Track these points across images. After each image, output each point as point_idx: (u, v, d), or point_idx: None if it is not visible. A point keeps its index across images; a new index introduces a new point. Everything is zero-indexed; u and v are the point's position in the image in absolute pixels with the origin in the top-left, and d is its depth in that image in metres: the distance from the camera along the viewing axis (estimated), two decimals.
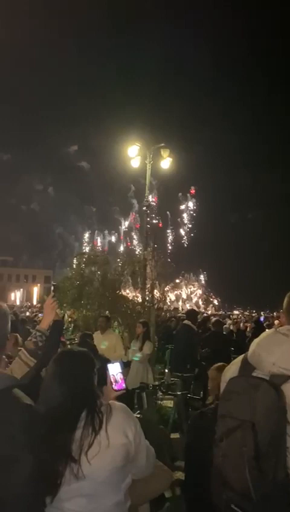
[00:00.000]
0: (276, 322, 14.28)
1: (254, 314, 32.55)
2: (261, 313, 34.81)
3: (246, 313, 39.78)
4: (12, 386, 1.64)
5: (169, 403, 6.51)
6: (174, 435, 5.04)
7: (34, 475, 1.52)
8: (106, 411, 1.70)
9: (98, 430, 1.65)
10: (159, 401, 6.09)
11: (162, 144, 12.39)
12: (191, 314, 8.30)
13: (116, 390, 1.96)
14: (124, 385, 1.99)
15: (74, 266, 10.59)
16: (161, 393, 5.77)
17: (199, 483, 1.80)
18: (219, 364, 4.26)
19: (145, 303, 10.03)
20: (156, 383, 6.35)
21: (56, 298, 2.65)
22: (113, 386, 1.96)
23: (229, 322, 18.22)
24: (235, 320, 21.36)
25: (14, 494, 1.49)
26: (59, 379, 1.71)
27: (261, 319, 20.27)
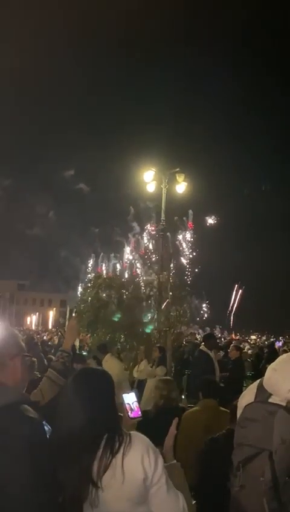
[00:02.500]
0: None
1: (272, 339, 31.96)
2: (280, 338, 34.10)
3: (263, 338, 39.08)
4: (19, 401, 1.63)
5: None
6: None
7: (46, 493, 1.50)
8: (125, 442, 1.62)
9: (115, 455, 1.58)
10: None
11: (177, 169, 12.58)
12: (208, 338, 8.17)
13: (132, 418, 1.93)
14: (140, 413, 1.97)
15: (88, 289, 10.61)
16: None
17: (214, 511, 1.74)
18: (166, 378, 4.33)
19: (161, 327, 9.96)
20: None
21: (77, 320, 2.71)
22: (129, 413, 1.94)
23: (247, 347, 18.00)
24: (252, 345, 21.08)
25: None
26: (79, 397, 1.67)
27: (279, 343, 19.91)
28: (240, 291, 69.12)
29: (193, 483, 1.89)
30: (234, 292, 68.13)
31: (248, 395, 1.68)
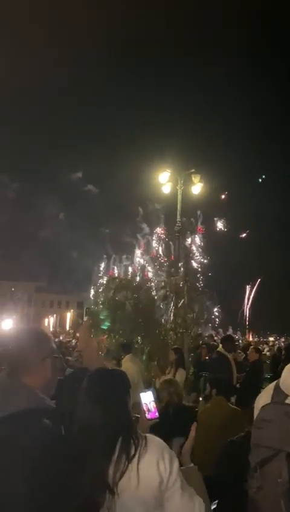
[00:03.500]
0: None
1: None
2: None
3: (282, 340, 38.62)
4: (36, 409, 1.60)
5: None
6: None
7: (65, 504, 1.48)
8: (141, 445, 1.60)
9: (131, 460, 1.56)
10: None
11: (193, 170, 12.57)
12: (226, 340, 8.11)
13: (149, 419, 1.91)
14: (157, 414, 1.94)
15: (103, 292, 10.68)
16: None
17: None
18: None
19: (178, 329, 9.95)
20: None
21: (91, 322, 2.75)
22: (146, 415, 1.92)
23: (266, 348, 17.87)
24: (271, 346, 20.88)
25: None
26: (93, 398, 1.65)
27: None
28: (253, 292, 68.49)
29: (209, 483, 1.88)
30: (247, 293, 67.59)
31: (264, 396, 1.68)
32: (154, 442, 1.65)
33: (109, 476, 1.56)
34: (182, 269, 11.49)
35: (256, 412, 1.66)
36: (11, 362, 1.70)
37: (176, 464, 1.64)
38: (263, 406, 1.63)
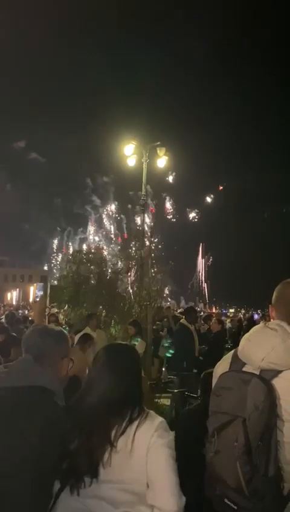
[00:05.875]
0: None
1: (251, 313, 32.66)
2: (259, 311, 34.89)
3: (243, 311, 39.93)
4: (47, 388, 1.75)
5: (166, 401, 6.54)
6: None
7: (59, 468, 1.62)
8: (142, 416, 1.67)
9: (131, 426, 1.63)
10: (157, 399, 6.11)
11: (158, 143, 12.43)
12: (189, 312, 8.28)
13: None
14: None
15: (69, 265, 10.55)
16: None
17: (189, 479, 1.80)
18: None
19: (142, 301, 10.02)
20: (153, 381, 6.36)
21: (47, 297, 2.85)
22: None
23: (227, 320, 18.40)
24: (231, 318, 21.52)
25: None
26: (108, 371, 1.73)
27: (257, 316, 20.39)
28: (206, 267, 69.79)
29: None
30: (200, 268, 68.81)
31: (222, 365, 1.73)
32: (154, 417, 1.71)
33: (112, 435, 1.64)
34: (147, 243, 11.48)
35: (215, 380, 1.71)
36: (36, 354, 1.86)
37: (166, 441, 1.67)
38: (221, 374, 1.67)
